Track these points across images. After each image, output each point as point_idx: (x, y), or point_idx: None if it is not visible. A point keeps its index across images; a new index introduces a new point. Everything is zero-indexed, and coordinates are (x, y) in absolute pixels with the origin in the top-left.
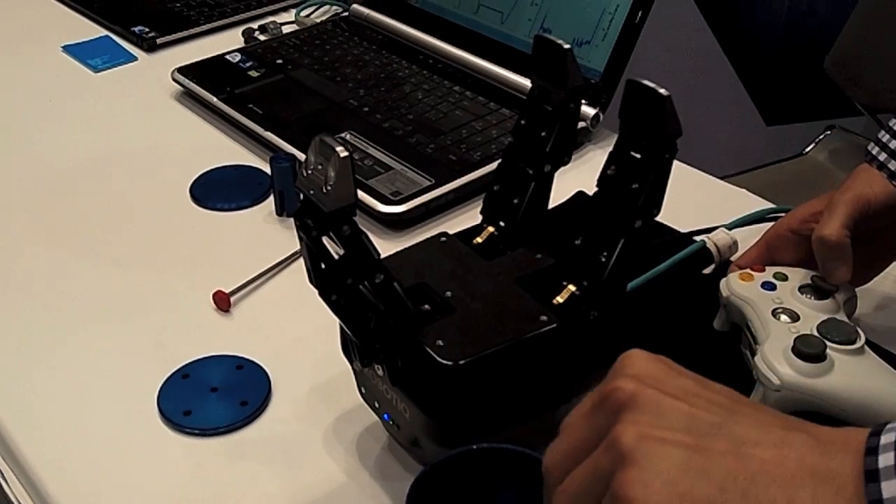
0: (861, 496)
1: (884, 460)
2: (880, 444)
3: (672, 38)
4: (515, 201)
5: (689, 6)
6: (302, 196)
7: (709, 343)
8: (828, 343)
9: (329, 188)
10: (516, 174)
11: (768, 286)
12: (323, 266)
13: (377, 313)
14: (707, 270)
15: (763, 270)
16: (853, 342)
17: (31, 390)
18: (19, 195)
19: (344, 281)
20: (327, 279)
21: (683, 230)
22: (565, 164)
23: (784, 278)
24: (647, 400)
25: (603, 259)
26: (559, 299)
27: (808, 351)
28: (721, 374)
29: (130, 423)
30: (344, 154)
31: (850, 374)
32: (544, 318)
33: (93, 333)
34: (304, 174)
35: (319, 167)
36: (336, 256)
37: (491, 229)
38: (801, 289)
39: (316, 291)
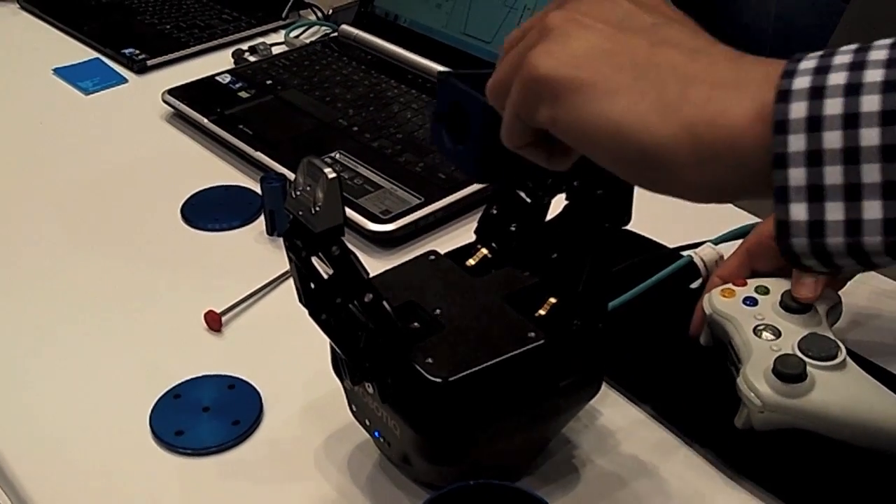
0: (762, 101)
1: (798, 83)
2: (798, 67)
3: None
4: (512, 228)
5: None
6: (291, 217)
7: (697, 358)
8: (808, 360)
9: (318, 209)
10: (514, 201)
11: (750, 302)
12: (312, 286)
13: (367, 332)
14: (694, 285)
15: (745, 284)
16: (834, 357)
17: (22, 411)
18: (9, 216)
19: (333, 300)
20: (317, 299)
21: (670, 246)
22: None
23: (766, 292)
24: None
25: (578, 268)
26: (541, 312)
27: (788, 371)
28: (709, 389)
29: (122, 444)
30: (332, 176)
31: (831, 391)
32: (532, 334)
33: (84, 354)
34: (293, 195)
35: (308, 188)
36: (325, 276)
37: (484, 251)
38: (783, 303)
39: (306, 311)
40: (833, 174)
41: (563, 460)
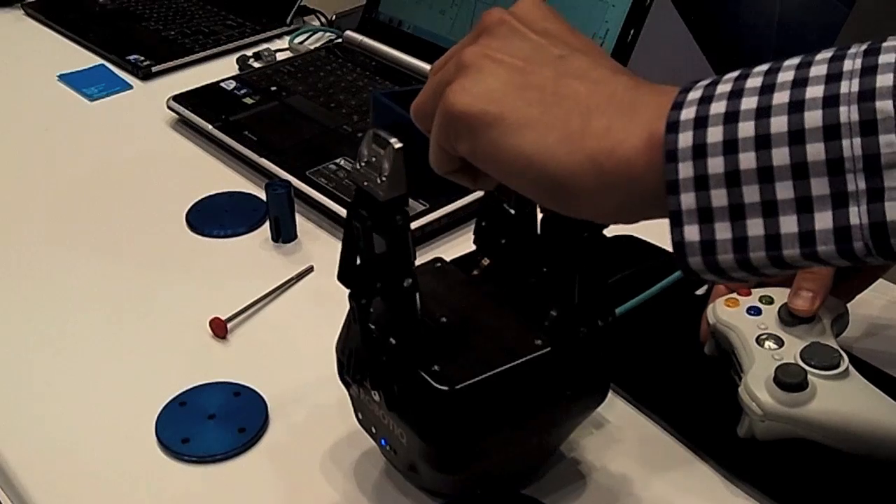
0: (653, 130)
1: (686, 114)
2: (686, 98)
3: (663, 59)
4: (503, 242)
5: (679, 28)
6: (355, 188)
7: (702, 366)
8: (809, 370)
9: (384, 179)
10: (500, 213)
11: (753, 311)
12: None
13: (378, 339)
14: (700, 291)
15: (749, 294)
16: (836, 366)
17: (28, 418)
18: (16, 223)
19: (374, 284)
20: (360, 277)
21: None
22: None
23: (770, 301)
24: (505, 30)
25: (569, 281)
26: (547, 322)
27: (789, 381)
28: (714, 398)
29: (128, 451)
30: (398, 145)
31: (832, 401)
32: (538, 341)
33: (89, 361)
34: (358, 167)
35: (373, 159)
36: (378, 252)
37: (487, 262)
38: (787, 312)
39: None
40: (719, 197)
41: (569, 468)
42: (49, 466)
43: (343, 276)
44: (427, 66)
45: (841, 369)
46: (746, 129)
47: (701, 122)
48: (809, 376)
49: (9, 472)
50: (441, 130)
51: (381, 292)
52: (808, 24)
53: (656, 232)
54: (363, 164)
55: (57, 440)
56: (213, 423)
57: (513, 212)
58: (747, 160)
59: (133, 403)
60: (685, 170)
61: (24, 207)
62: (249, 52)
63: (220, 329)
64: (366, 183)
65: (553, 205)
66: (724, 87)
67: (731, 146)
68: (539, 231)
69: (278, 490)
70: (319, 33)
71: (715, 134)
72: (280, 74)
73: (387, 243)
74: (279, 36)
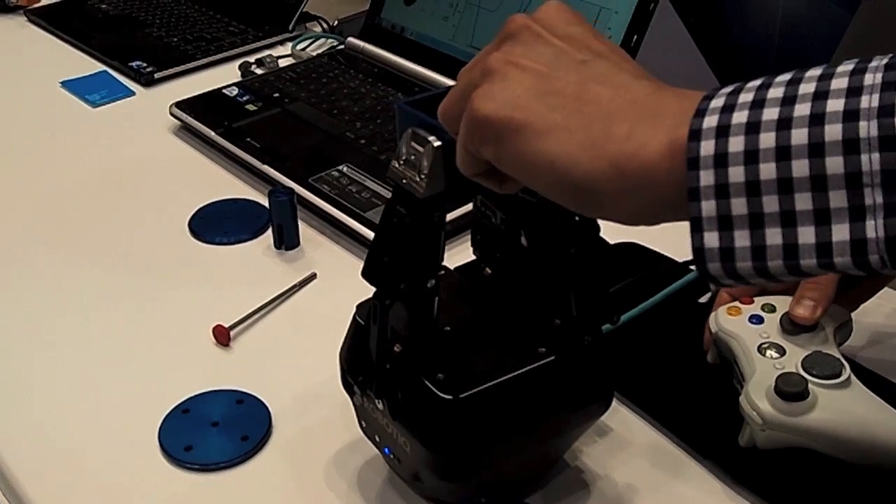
0: (675, 136)
1: (708, 122)
2: (709, 106)
3: (664, 61)
4: (497, 256)
5: (680, 30)
6: (394, 184)
7: (705, 374)
8: (811, 378)
9: (423, 177)
10: (489, 228)
11: (756, 320)
12: (385, 260)
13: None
14: (703, 299)
15: (751, 302)
16: (837, 375)
17: (31, 426)
18: (18, 229)
19: (398, 284)
20: (387, 275)
21: (679, 260)
22: None
23: (772, 310)
24: (528, 36)
25: (565, 295)
26: (551, 330)
27: (790, 390)
28: (717, 406)
29: (131, 459)
30: (437, 143)
31: (833, 410)
32: (543, 350)
33: (92, 368)
34: (396, 165)
35: (413, 157)
36: (408, 248)
37: (489, 272)
38: (789, 321)
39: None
40: (739, 205)
41: (573, 476)
42: (52, 474)
43: (369, 273)
44: (429, 73)
45: (842, 378)
46: (767, 139)
47: (723, 132)
48: (810, 385)
49: (11, 478)
50: (468, 136)
51: (405, 292)
52: (809, 28)
53: (659, 238)
54: (402, 161)
55: (59, 448)
56: (217, 430)
57: (503, 227)
58: (767, 171)
59: (136, 411)
60: (706, 178)
61: (26, 214)
62: (252, 59)
63: (223, 336)
64: (405, 181)
65: (576, 208)
66: (746, 97)
67: (751, 156)
68: (525, 244)
69: (281, 498)
70: (322, 40)
71: (736, 143)
72: (282, 81)
73: (420, 241)
74: (281, 42)
